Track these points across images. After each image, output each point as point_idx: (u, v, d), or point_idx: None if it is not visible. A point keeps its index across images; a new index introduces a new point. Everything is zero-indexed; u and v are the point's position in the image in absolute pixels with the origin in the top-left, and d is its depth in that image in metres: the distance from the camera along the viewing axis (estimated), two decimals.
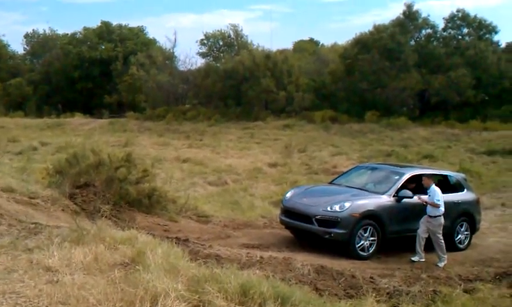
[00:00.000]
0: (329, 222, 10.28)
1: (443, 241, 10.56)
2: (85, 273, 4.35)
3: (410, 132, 32.52)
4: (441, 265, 10.36)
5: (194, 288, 4.25)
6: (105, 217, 8.82)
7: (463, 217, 11.93)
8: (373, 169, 12.86)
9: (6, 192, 9.01)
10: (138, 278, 4.24)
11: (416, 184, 11.45)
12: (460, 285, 7.72)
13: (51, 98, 53.21)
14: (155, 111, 42.07)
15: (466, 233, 11.98)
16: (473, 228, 12.15)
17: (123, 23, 59.11)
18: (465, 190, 12.40)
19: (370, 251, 10.42)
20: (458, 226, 11.80)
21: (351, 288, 6.64)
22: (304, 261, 7.35)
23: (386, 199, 10.91)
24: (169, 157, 23.36)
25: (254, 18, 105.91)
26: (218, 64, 47.14)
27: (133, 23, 61.02)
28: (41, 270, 4.34)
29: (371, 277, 7.37)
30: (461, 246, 11.81)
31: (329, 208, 10.43)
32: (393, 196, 10.97)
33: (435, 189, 10.62)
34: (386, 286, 7.08)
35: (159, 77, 45.43)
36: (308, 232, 10.73)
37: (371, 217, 10.56)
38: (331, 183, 12.77)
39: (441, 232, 10.58)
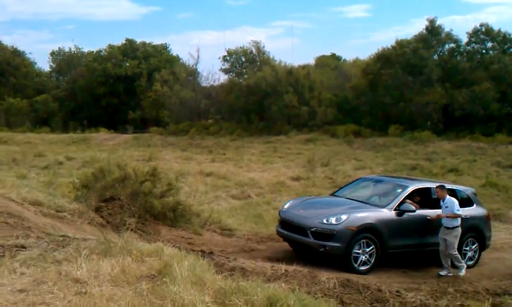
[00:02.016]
0: (325, 235, 9.91)
1: (457, 254, 10.36)
2: (113, 285, 4.37)
3: (435, 146, 32.18)
4: (461, 273, 10.20)
5: (221, 300, 4.25)
6: (131, 230, 8.89)
7: (471, 232, 11.39)
8: (377, 181, 12.43)
9: (33, 206, 9.15)
10: (165, 290, 4.26)
11: (422, 197, 11.13)
12: (488, 299, 7.55)
13: (76, 114, 54.06)
14: (178, 126, 42.41)
15: (474, 248, 11.49)
16: (482, 245, 11.65)
17: (147, 40, 60.11)
18: (474, 205, 11.89)
19: (369, 266, 10.01)
20: (466, 242, 11.30)
21: (377, 302, 6.55)
22: (330, 274, 7.29)
23: (386, 213, 10.48)
24: (192, 171, 23.47)
25: (276, 34, 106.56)
26: (241, 80, 47.39)
27: (157, 41, 62.18)
28: (70, 281, 4.37)
29: (397, 291, 7.26)
30: (469, 263, 11.25)
31: (325, 221, 10.05)
32: (395, 210, 10.56)
33: (452, 200, 10.36)
34: (412, 300, 6.97)
35: (182, 93, 45.89)
36: (303, 245, 10.40)
37: (369, 231, 10.13)
38: (332, 194, 12.44)
39: (457, 244, 10.35)
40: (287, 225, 10.76)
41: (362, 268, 9.89)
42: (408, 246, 10.59)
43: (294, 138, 36.45)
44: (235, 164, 27.15)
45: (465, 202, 11.65)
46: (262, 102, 40.70)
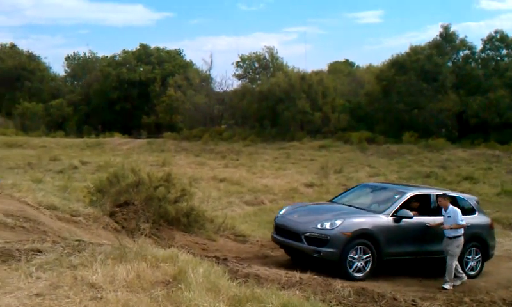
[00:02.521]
0: (319, 240, 9.69)
1: (455, 265, 10.08)
2: (128, 290, 4.38)
3: (449, 154, 31.96)
4: (447, 287, 9.82)
5: None
6: (145, 235, 8.90)
7: (473, 241, 11.08)
8: (375, 188, 12.21)
9: (49, 210, 9.21)
10: (180, 296, 4.26)
11: (421, 204, 10.91)
12: None
13: (91, 119, 54.48)
14: (191, 132, 42.57)
15: (477, 258, 11.17)
16: (485, 254, 11.33)
17: (161, 46, 60.38)
18: (476, 213, 11.58)
19: (364, 273, 9.74)
20: (468, 252, 10.99)
21: None
22: (344, 283, 7.24)
23: (383, 219, 10.24)
24: (205, 177, 23.52)
25: (289, 40, 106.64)
26: (254, 86, 47.47)
27: (170, 46, 62.54)
28: (86, 286, 4.38)
29: (413, 300, 7.19)
30: (471, 273, 10.95)
31: (319, 226, 9.84)
32: (392, 216, 10.31)
33: (455, 209, 10.11)
34: None
35: (195, 98, 46.06)
36: (298, 251, 10.21)
37: (365, 237, 9.89)
38: (330, 201, 12.22)
39: (458, 255, 10.11)
40: (281, 231, 10.59)
41: (357, 274, 9.63)
42: (405, 253, 10.36)
43: (307, 144, 36.41)
44: (249, 169, 27.17)
45: (467, 210, 11.36)
46: (275, 108, 40.73)
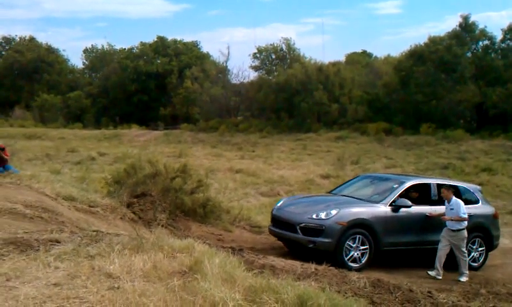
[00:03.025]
0: (314, 230, 9.57)
1: (466, 258, 9.95)
2: (145, 280, 4.41)
3: (467, 145, 31.60)
4: (463, 279, 9.71)
5: (252, 298, 4.25)
6: (162, 225, 8.96)
7: (476, 232, 10.84)
8: (375, 178, 12.10)
9: (67, 201, 9.31)
10: (196, 287, 4.28)
11: (421, 194, 10.78)
12: None
13: (108, 111, 54.90)
14: (208, 123, 42.68)
15: (480, 249, 10.97)
16: (489, 245, 11.11)
17: (178, 38, 60.65)
18: (480, 202, 11.36)
19: (362, 262, 9.61)
20: (471, 242, 10.77)
21: (408, 302, 6.46)
22: (360, 274, 7.23)
23: (381, 208, 10.08)
24: (222, 168, 23.58)
25: (306, 31, 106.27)
26: (271, 77, 47.37)
27: (187, 38, 62.71)
28: (103, 276, 4.42)
29: (429, 292, 7.14)
30: (474, 264, 10.75)
31: (314, 216, 9.73)
32: (390, 205, 10.15)
33: (458, 201, 9.92)
34: (444, 301, 6.85)
35: (212, 90, 46.13)
36: (293, 242, 10.11)
37: (362, 227, 9.73)
38: (329, 192, 12.15)
39: (465, 246, 9.96)
40: (278, 222, 10.53)
41: (355, 265, 9.49)
42: (404, 243, 10.19)
43: (324, 136, 36.30)
44: (265, 161, 27.18)
45: (469, 199, 11.21)
46: (291, 100, 40.62)
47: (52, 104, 52.88)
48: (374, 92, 42.49)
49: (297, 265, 7.41)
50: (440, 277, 9.76)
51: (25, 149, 27.11)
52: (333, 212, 9.71)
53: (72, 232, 6.12)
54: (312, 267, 7.21)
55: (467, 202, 10.90)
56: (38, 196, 8.71)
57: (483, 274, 10.61)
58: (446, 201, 10.12)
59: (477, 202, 11.35)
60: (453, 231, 9.91)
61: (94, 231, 6.35)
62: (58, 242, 5.42)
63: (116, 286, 4.24)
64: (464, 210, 9.83)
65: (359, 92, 42.34)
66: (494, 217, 11.52)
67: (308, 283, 5.53)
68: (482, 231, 11.06)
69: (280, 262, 7.38)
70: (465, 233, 9.93)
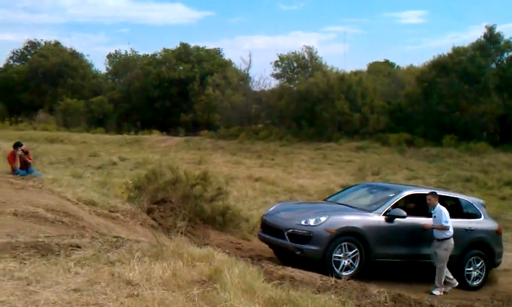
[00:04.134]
0: (302, 237, 9.32)
1: (444, 268, 9.48)
2: (164, 288, 4.40)
3: (491, 158, 31.08)
4: (435, 293, 9.27)
5: None
6: (181, 233, 8.96)
7: (476, 248, 10.51)
8: (372, 187, 11.82)
9: (88, 205, 9.39)
10: (216, 297, 4.25)
11: (418, 204, 10.43)
12: None
13: (130, 116, 55.32)
14: (228, 130, 42.72)
15: (480, 267, 10.56)
16: (491, 262, 10.70)
17: (201, 45, 60.90)
18: (482, 217, 10.98)
19: (351, 272, 9.22)
20: (470, 258, 10.44)
21: None
22: (381, 288, 7.12)
23: (374, 217, 9.75)
24: (241, 176, 23.55)
25: (328, 39, 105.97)
26: (292, 86, 47.29)
27: (210, 45, 62.73)
28: (123, 283, 4.42)
29: None
30: (474, 283, 10.39)
31: (303, 222, 9.46)
32: (384, 215, 9.80)
33: (441, 209, 9.56)
34: None
35: (233, 97, 46.21)
36: (281, 248, 9.86)
37: (352, 235, 9.41)
38: (325, 200, 11.88)
39: (447, 258, 9.50)
40: (267, 228, 10.30)
41: (344, 273, 9.13)
42: (398, 256, 9.84)
43: (345, 145, 36.07)
44: (284, 169, 27.09)
45: (470, 213, 10.92)
46: (312, 108, 40.45)
47: (75, 108, 53.48)
48: (396, 102, 42.13)
49: (316, 277, 7.34)
50: (456, 284, 9.53)
51: (47, 153, 27.41)
52: (323, 218, 9.45)
53: (93, 237, 6.14)
54: (332, 279, 7.14)
55: (468, 216, 10.72)
56: (60, 200, 8.79)
57: (505, 290, 10.40)
58: (431, 208, 9.79)
59: (478, 216, 11.01)
60: (437, 240, 9.56)
61: (114, 237, 6.37)
62: (79, 247, 5.44)
63: (135, 293, 4.24)
64: (447, 218, 9.45)
65: (381, 102, 42.00)
66: (497, 233, 11.13)
67: (328, 296, 5.46)
68: (483, 248, 10.69)
69: (299, 273, 7.31)
70: (450, 243, 9.51)
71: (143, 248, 5.39)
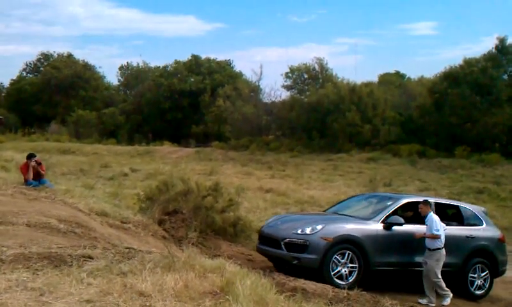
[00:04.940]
0: (298, 246, 9.21)
1: (440, 280, 9.19)
2: (176, 300, 4.39)
3: (503, 169, 30.81)
4: (423, 302, 9.05)
5: None
6: (192, 244, 8.98)
7: (479, 256, 10.32)
8: (370, 197, 11.73)
9: (100, 216, 9.42)
10: None
11: (416, 213, 10.13)
12: None
13: (142, 127, 55.60)
14: (239, 141, 42.78)
15: (483, 275, 10.33)
16: (494, 271, 10.46)
17: (212, 56, 61.18)
18: (484, 224, 10.79)
19: (350, 280, 9.04)
20: (474, 266, 10.24)
21: None
22: (394, 300, 7.06)
23: (372, 225, 9.62)
24: (252, 187, 23.48)
25: (339, 51, 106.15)
26: (303, 97, 47.34)
27: (221, 57, 63.26)
28: (135, 294, 4.42)
29: None
30: (477, 292, 10.19)
31: (299, 231, 9.36)
32: (382, 223, 9.67)
33: (433, 217, 9.34)
34: None
35: (244, 108, 46.32)
36: (278, 258, 9.75)
37: (350, 243, 9.26)
38: (324, 211, 11.82)
39: (440, 268, 9.24)
40: (264, 239, 10.24)
41: (342, 282, 8.93)
42: (396, 264, 9.67)
43: (356, 156, 35.95)
44: (295, 181, 27.01)
45: (472, 221, 10.75)
46: (323, 120, 40.44)
47: (87, 120, 53.86)
48: (407, 113, 41.99)
49: (328, 289, 7.29)
50: (433, 305, 9.22)
51: (59, 164, 27.57)
52: (319, 227, 9.36)
53: (105, 248, 6.16)
54: (344, 291, 7.09)
55: (470, 224, 10.55)
56: (72, 211, 8.83)
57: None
58: (424, 216, 9.63)
59: (480, 224, 10.84)
60: (429, 249, 9.37)
61: (126, 248, 6.38)
62: (91, 258, 5.46)
63: (147, 304, 4.25)
64: (438, 226, 9.24)
65: (392, 113, 41.86)
66: (500, 241, 10.95)
67: None
68: (486, 256, 10.52)
69: (311, 285, 7.27)
70: (441, 253, 9.29)
71: (155, 259, 5.40)
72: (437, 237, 9.20)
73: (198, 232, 10.82)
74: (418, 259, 9.76)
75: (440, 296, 9.30)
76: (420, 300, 9.28)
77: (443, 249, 9.27)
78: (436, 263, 9.24)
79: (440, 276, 9.23)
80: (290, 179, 27.64)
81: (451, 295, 9.24)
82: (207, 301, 4.36)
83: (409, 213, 10.24)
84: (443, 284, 9.23)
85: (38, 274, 4.72)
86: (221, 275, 5.10)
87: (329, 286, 7.71)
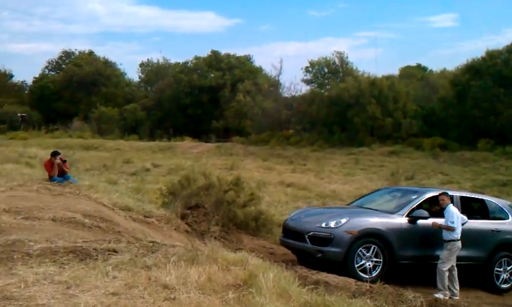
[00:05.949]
0: (322, 239, 9.21)
1: (445, 273, 9.04)
2: (200, 292, 4.43)
3: None
4: (439, 296, 8.67)
5: None
6: (215, 237, 9.03)
7: (504, 250, 10.22)
8: (395, 191, 11.65)
9: (123, 211, 9.52)
10: (251, 301, 4.27)
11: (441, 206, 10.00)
12: None
13: (163, 123, 55.96)
14: (259, 136, 42.80)
15: (509, 270, 10.27)
16: None
17: (231, 52, 61.21)
18: (510, 218, 10.68)
19: (374, 274, 9.00)
20: (500, 260, 10.15)
21: None
22: (417, 293, 7.02)
23: (396, 219, 9.58)
24: (273, 181, 23.47)
25: (359, 45, 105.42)
26: (323, 91, 47.15)
27: (240, 52, 63.11)
28: (159, 287, 4.47)
29: None
30: (503, 286, 10.09)
31: (323, 225, 9.37)
32: (407, 216, 9.62)
33: (451, 209, 9.25)
34: None
35: (264, 103, 46.32)
36: (301, 251, 9.76)
37: (374, 237, 9.25)
38: (348, 204, 11.81)
39: (450, 262, 9.11)
40: (288, 232, 10.27)
41: (366, 276, 8.91)
42: (421, 258, 9.62)
43: (377, 150, 35.70)
44: (316, 175, 26.91)
45: (497, 214, 10.67)
46: (344, 113, 40.24)
47: (109, 116, 54.36)
48: (429, 106, 41.55)
49: (351, 281, 7.29)
50: (448, 296, 9.05)
51: (83, 160, 27.87)
52: (343, 220, 9.37)
53: (129, 242, 6.22)
54: (367, 284, 7.08)
55: (495, 218, 10.50)
56: (96, 205, 8.93)
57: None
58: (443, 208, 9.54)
59: (506, 218, 10.76)
60: (444, 241, 9.26)
61: (150, 241, 6.44)
62: (116, 251, 5.52)
63: (172, 297, 4.28)
64: (454, 219, 9.13)
65: (413, 106, 41.46)
66: None
67: (363, 300, 5.43)
68: None
69: (333, 278, 7.28)
70: (456, 245, 9.17)
71: (179, 253, 5.44)
72: (451, 229, 9.12)
73: (220, 226, 10.90)
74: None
75: (438, 289, 9.16)
76: (435, 295, 9.06)
77: (459, 242, 9.18)
78: (448, 254, 9.15)
79: (445, 269, 9.13)
80: (311, 173, 27.54)
81: (448, 294, 9.10)
82: (230, 294, 4.39)
83: (436, 208, 10.09)
84: (446, 280, 9.13)
85: (64, 268, 4.80)
86: (243, 268, 5.12)
87: (351, 279, 7.71)
